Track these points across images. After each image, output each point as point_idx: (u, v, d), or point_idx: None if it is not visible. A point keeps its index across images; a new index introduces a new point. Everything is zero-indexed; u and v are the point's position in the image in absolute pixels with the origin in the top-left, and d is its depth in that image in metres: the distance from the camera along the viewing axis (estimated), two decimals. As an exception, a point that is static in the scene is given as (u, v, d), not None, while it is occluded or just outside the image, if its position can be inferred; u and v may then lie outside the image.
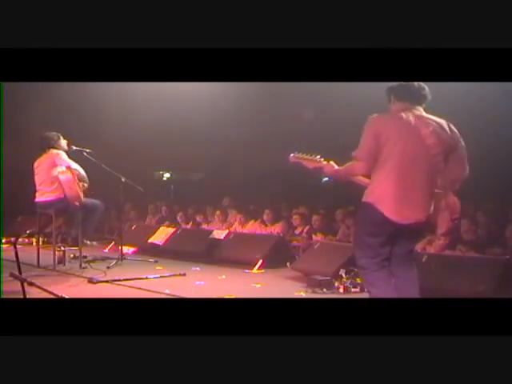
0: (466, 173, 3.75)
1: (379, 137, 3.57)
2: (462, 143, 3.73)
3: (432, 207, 3.69)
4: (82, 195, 6.61)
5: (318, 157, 3.96)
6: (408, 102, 3.69)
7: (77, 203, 6.56)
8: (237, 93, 8.36)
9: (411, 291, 3.67)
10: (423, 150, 3.59)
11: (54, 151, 6.66)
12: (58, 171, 6.54)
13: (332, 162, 3.91)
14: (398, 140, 3.57)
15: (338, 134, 8.75)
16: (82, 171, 6.71)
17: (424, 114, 3.69)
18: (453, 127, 3.73)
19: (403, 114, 3.64)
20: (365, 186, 3.80)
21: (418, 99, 3.70)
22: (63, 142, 6.80)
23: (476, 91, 6.43)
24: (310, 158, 3.98)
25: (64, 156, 6.64)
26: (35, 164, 6.79)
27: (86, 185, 6.74)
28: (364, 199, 3.70)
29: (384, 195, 3.59)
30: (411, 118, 3.62)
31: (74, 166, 6.63)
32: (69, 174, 6.53)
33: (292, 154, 4.06)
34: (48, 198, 6.62)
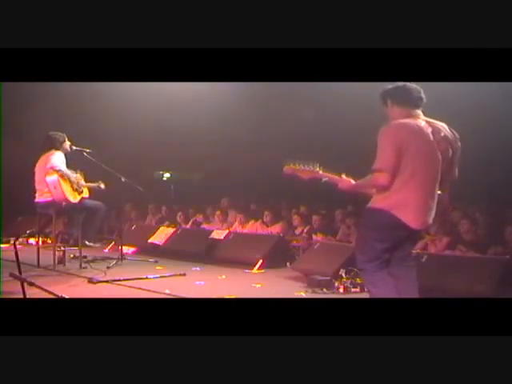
0: (457, 174, 3.78)
1: (400, 147, 3.53)
2: (459, 145, 3.75)
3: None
4: (70, 196, 6.57)
5: (313, 167, 3.86)
6: (408, 107, 3.66)
7: (64, 204, 6.56)
8: (237, 93, 8.36)
9: (411, 291, 3.67)
10: (436, 156, 3.60)
11: (51, 151, 6.66)
12: (46, 172, 6.54)
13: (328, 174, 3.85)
14: (417, 148, 3.55)
15: (338, 134, 8.77)
16: (70, 174, 6.66)
17: (428, 118, 3.69)
18: (453, 130, 3.74)
19: (414, 121, 3.62)
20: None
21: (416, 103, 3.68)
22: (67, 144, 6.81)
23: (476, 91, 6.43)
24: (306, 168, 3.88)
25: (55, 157, 6.58)
26: (36, 164, 6.80)
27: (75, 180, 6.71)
28: (375, 205, 3.65)
29: (402, 202, 3.56)
30: (423, 125, 3.62)
31: (58, 167, 6.54)
32: (54, 176, 6.50)
33: (286, 166, 3.94)
34: (48, 199, 6.62)
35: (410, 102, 3.67)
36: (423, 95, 3.70)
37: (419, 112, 3.68)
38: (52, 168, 6.51)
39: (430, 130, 3.62)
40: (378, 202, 3.65)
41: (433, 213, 3.67)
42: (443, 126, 3.70)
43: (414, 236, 3.78)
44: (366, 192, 3.83)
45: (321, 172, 3.87)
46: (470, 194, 7.41)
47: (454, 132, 3.74)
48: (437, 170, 3.62)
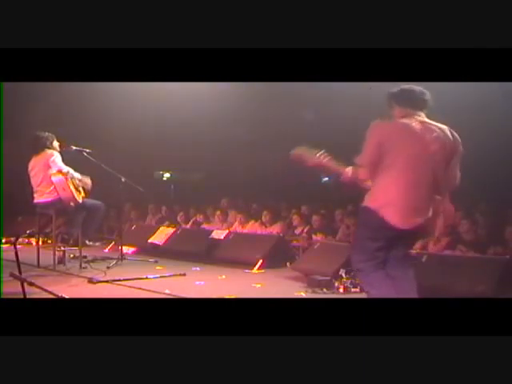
0: (458, 180, 3.76)
1: (382, 144, 3.56)
2: (461, 149, 3.73)
3: (431, 212, 3.69)
4: (77, 196, 6.60)
5: (320, 153, 3.90)
6: (410, 108, 3.67)
7: (72, 204, 6.58)
8: (237, 93, 8.36)
9: (409, 291, 3.66)
10: (427, 156, 3.59)
11: (49, 151, 6.66)
12: (51, 173, 6.55)
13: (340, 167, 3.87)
14: (403, 147, 3.56)
15: (338, 134, 8.76)
16: (75, 173, 6.67)
17: (426, 119, 3.68)
18: (454, 133, 3.72)
19: (407, 120, 3.63)
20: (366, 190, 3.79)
21: (420, 105, 3.69)
22: (56, 144, 6.80)
23: (476, 91, 6.43)
24: (312, 155, 3.90)
25: (57, 158, 6.62)
26: (30, 164, 6.76)
27: (80, 183, 6.72)
28: (365, 204, 3.68)
29: (388, 202, 3.58)
30: (415, 124, 3.61)
31: (66, 169, 6.59)
32: (60, 176, 6.52)
33: (294, 151, 3.98)
34: (48, 199, 6.62)
35: (411, 103, 3.68)
36: (427, 98, 3.70)
37: (420, 113, 3.67)
38: (60, 171, 6.53)
39: (420, 129, 3.60)
40: (368, 200, 3.68)
41: (426, 214, 3.65)
42: (441, 128, 3.67)
43: (409, 236, 3.75)
44: (365, 186, 3.83)
45: (325, 160, 3.87)
46: (470, 194, 7.41)
47: (455, 135, 3.71)
48: (428, 170, 3.60)
